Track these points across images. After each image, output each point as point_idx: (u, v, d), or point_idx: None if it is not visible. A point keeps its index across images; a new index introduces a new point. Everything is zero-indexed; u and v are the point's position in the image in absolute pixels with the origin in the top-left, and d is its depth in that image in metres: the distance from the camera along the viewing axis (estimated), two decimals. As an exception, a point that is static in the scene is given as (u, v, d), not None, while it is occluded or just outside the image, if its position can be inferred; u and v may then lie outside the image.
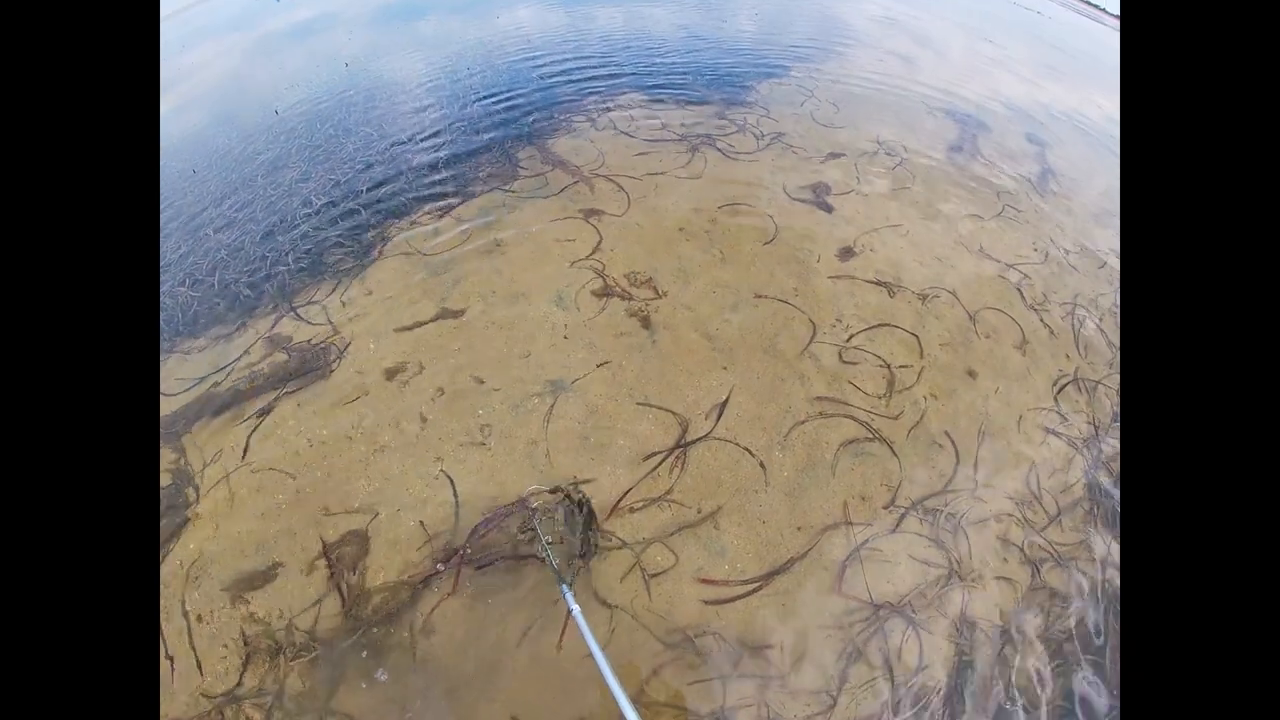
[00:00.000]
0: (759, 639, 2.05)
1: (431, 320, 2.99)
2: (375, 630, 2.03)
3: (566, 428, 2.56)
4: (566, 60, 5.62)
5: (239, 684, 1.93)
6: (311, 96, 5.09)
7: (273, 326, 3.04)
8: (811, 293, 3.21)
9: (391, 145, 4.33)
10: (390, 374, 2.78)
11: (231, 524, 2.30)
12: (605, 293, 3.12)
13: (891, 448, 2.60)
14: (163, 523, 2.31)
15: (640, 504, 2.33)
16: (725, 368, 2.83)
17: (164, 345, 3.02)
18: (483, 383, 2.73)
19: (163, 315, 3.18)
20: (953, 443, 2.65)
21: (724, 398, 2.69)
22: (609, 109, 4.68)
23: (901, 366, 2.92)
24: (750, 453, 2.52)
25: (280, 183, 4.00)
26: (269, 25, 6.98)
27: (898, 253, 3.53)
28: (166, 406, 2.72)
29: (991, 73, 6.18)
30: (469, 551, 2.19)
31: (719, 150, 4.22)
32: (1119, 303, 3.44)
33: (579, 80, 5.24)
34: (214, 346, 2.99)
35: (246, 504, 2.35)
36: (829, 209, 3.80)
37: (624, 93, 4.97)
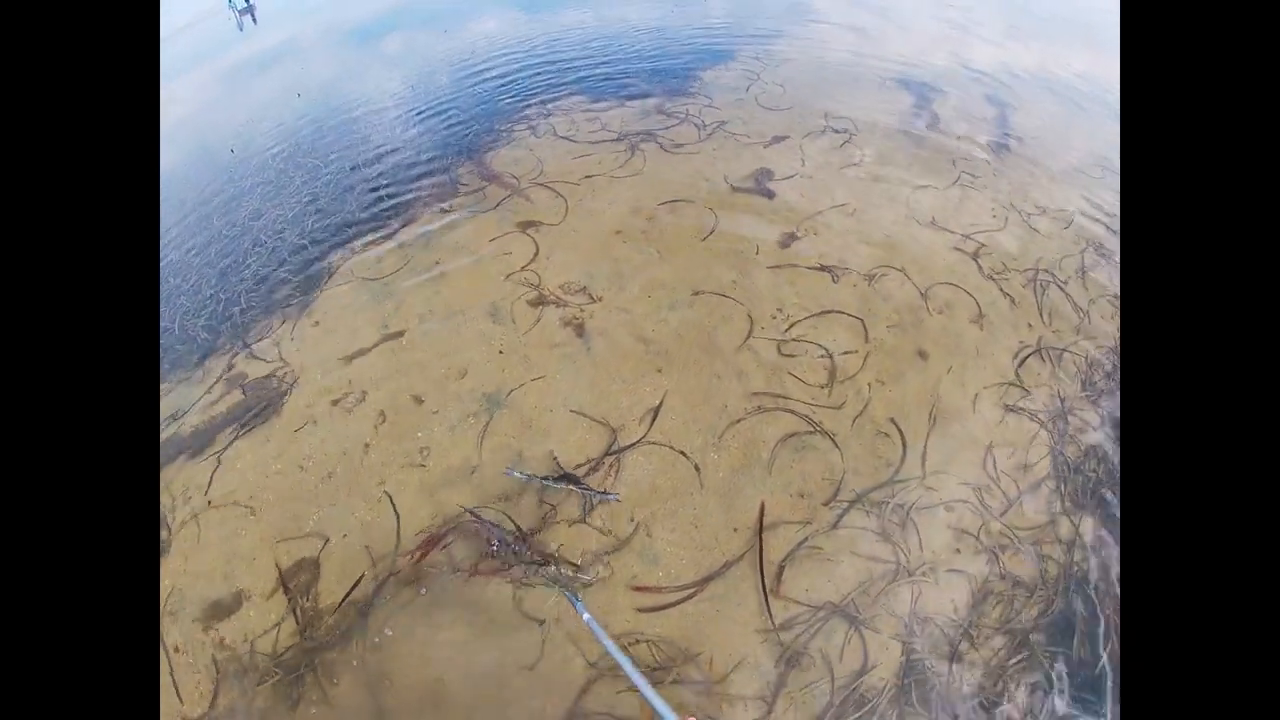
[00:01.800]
0: (693, 645, 2.05)
1: (373, 346, 3.05)
2: (328, 651, 2.11)
3: (501, 443, 2.58)
4: (510, 68, 5.59)
5: (212, 706, 2.05)
6: (266, 131, 5.20)
7: (229, 366, 3.14)
8: (751, 284, 3.14)
9: (336, 175, 4.40)
10: (336, 403, 2.84)
11: (200, 558, 2.42)
12: (540, 303, 3.12)
13: (833, 440, 2.54)
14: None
15: (563, 522, 2.34)
16: (660, 370, 2.80)
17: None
18: (422, 403, 2.77)
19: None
20: (899, 430, 2.57)
21: (658, 401, 2.67)
22: (550, 115, 4.63)
23: (845, 353, 2.84)
24: (685, 455, 2.49)
25: (235, 222, 4.11)
26: (227, 59, 7.12)
27: (843, 235, 3.41)
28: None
29: (952, 37, 5.85)
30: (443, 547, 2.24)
31: (659, 144, 4.14)
32: (1119, 297, 3.23)
33: (521, 84, 5.20)
34: (177, 390, 3.10)
35: (212, 538, 2.46)
36: (771, 195, 3.70)
37: (566, 95, 4.91)
